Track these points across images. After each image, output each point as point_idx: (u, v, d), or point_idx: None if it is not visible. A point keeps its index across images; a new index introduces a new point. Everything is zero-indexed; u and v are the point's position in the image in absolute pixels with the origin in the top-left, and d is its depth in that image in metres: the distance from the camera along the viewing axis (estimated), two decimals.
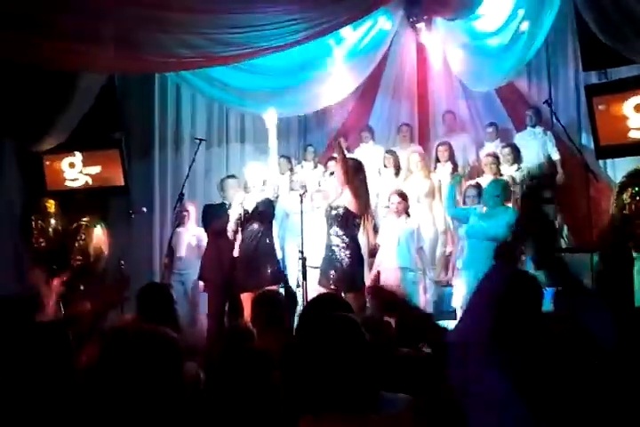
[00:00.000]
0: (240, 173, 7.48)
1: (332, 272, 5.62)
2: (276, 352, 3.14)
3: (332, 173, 6.19)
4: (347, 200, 5.65)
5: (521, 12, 7.18)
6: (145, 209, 7.42)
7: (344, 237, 5.65)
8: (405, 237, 6.49)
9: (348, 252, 5.63)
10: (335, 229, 5.68)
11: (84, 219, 7.41)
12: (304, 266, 5.86)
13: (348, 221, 5.67)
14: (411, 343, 3.83)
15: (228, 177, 6.90)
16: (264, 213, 6.21)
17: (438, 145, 8.01)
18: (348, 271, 5.61)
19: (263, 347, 3.46)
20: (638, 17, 6.00)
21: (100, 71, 7.10)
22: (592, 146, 7.17)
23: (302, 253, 5.97)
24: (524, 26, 7.15)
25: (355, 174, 5.69)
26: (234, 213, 6.20)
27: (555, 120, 7.31)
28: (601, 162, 7.46)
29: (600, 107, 6.84)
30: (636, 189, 6.04)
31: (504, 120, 8.43)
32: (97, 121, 7.49)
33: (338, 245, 5.65)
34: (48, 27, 5.70)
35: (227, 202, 6.57)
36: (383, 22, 8.30)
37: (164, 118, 8.29)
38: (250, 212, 6.18)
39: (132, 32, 6.16)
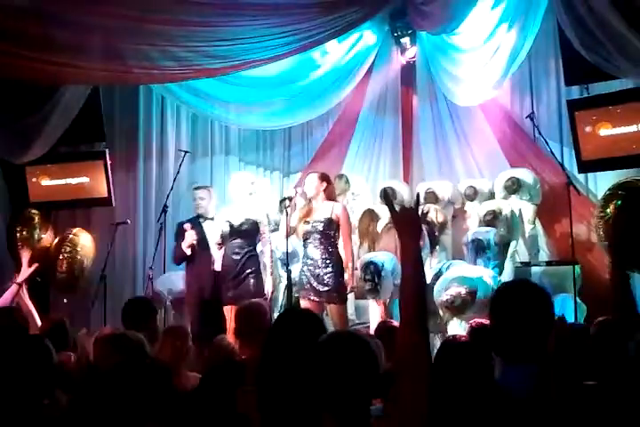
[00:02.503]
0: (225, 185, 7.46)
1: (315, 285, 5.66)
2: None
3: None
4: (328, 213, 5.76)
5: (504, 27, 7.26)
6: (129, 221, 7.38)
7: (324, 249, 5.71)
8: None
9: (332, 265, 5.68)
10: (315, 242, 5.74)
11: (73, 230, 7.37)
12: (289, 279, 5.87)
13: (327, 234, 5.75)
14: None
15: (200, 188, 6.73)
16: (248, 231, 6.22)
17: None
18: (331, 284, 5.65)
19: (247, 358, 3.49)
20: (619, 33, 6.07)
21: (85, 83, 7.09)
22: (574, 160, 7.23)
23: (287, 265, 5.99)
24: (508, 40, 7.23)
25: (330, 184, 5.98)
26: (218, 227, 6.21)
27: (537, 134, 7.37)
28: (582, 176, 7.51)
29: (587, 129, 6.91)
30: (623, 201, 6.11)
31: (488, 135, 8.46)
32: (81, 132, 7.49)
33: (319, 258, 5.70)
34: (33, 39, 5.71)
35: (200, 213, 6.50)
36: (368, 36, 8.36)
37: (148, 130, 8.30)
38: (235, 227, 6.18)
39: (118, 44, 6.19)
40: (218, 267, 6.31)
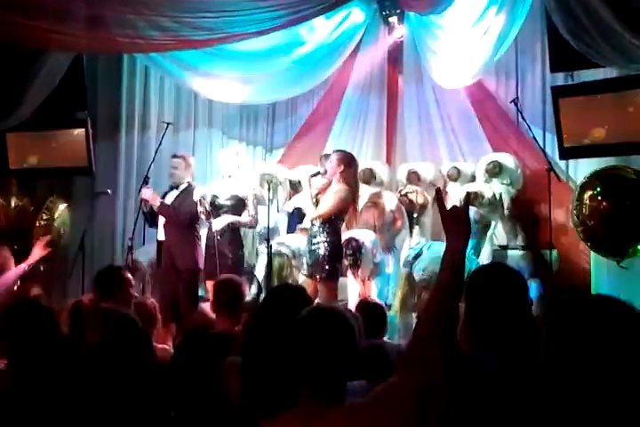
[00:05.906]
0: (208, 158, 7.39)
1: (309, 260, 5.69)
2: (235, 336, 3.20)
3: (316, 174, 6.01)
4: (334, 191, 5.68)
5: (493, 10, 7.25)
6: (109, 191, 7.34)
7: (325, 228, 5.70)
8: None
9: (327, 242, 5.68)
10: (317, 222, 5.72)
11: (50, 198, 7.33)
12: (269, 254, 5.90)
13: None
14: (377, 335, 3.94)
15: (175, 156, 6.54)
16: (233, 206, 6.24)
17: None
18: (325, 261, 5.67)
19: (223, 331, 3.53)
20: (606, 21, 6.08)
21: (69, 50, 7.00)
22: (556, 146, 7.28)
23: (268, 240, 6.02)
24: (496, 24, 7.22)
25: (349, 167, 5.73)
26: (205, 201, 6.22)
27: (520, 119, 7.40)
28: (563, 162, 7.57)
29: (569, 116, 6.92)
30: (597, 189, 6.18)
31: (472, 119, 8.48)
32: (63, 100, 7.39)
33: (318, 235, 5.70)
34: (17, 4, 5.62)
35: (174, 181, 6.44)
36: (356, 14, 8.32)
37: (131, 100, 8.22)
38: (219, 202, 6.21)
39: (103, 11, 6.11)
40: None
